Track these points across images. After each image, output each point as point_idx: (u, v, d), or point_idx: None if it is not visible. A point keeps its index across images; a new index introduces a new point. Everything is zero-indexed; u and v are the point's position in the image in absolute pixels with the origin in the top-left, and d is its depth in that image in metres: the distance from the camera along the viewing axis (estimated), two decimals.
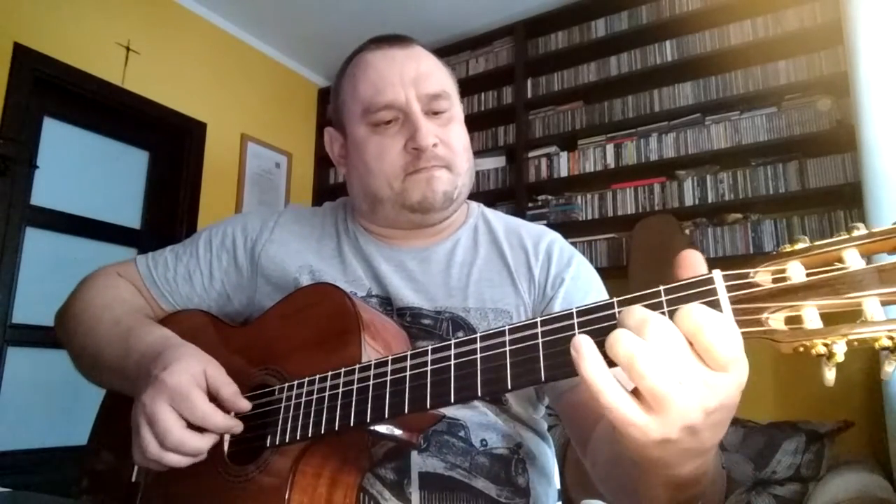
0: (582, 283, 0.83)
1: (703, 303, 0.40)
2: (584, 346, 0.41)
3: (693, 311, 0.38)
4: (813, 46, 2.56)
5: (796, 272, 0.40)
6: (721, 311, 0.40)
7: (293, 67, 3.86)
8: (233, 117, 3.43)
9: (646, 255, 2.64)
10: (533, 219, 2.95)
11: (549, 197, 3.17)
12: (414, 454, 0.71)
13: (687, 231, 2.72)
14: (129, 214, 3.00)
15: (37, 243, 2.61)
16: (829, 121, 2.50)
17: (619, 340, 0.39)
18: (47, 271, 2.58)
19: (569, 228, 2.91)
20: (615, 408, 0.40)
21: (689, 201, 2.76)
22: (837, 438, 2.10)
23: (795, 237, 0.42)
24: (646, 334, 0.39)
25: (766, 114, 2.65)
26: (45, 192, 2.64)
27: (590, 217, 2.99)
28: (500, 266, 0.84)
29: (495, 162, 3.32)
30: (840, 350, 0.37)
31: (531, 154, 3.22)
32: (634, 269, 2.66)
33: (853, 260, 0.38)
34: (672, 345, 0.38)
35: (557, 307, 0.79)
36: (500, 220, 0.92)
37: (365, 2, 3.23)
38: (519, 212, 3.11)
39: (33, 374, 2.53)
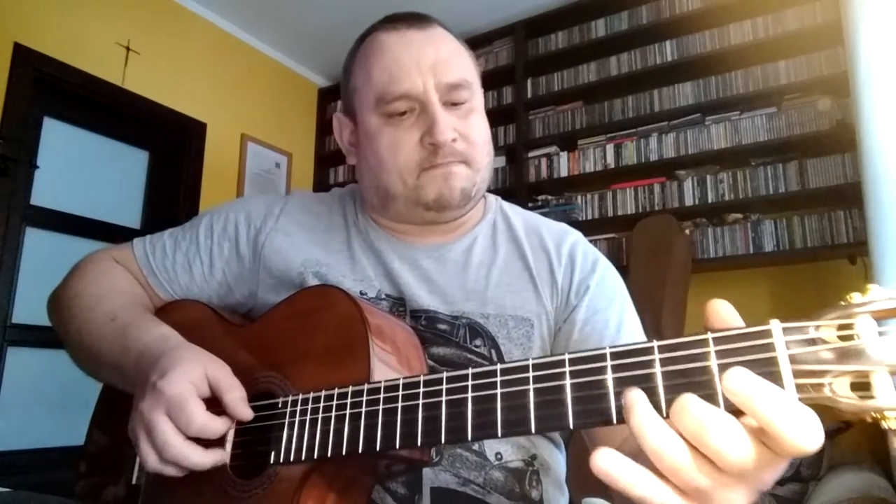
0: (607, 290, 0.78)
1: (759, 359, 0.36)
2: (638, 414, 0.38)
3: (773, 402, 0.34)
4: (813, 46, 2.56)
5: (867, 329, 0.34)
6: (779, 370, 0.36)
7: (293, 67, 3.86)
8: (233, 117, 3.43)
9: (646, 256, 2.64)
10: None
11: (549, 197, 3.17)
12: (426, 469, 0.68)
13: (687, 231, 2.72)
14: (129, 214, 3.00)
15: (37, 243, 2.61)
16: (829, 121, 2.50)
17: (663, 455, 0.36)
18: (47, 271, 2.55)
19: None
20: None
21: (689, 201, 2.76)
22: (837, 438, 2.10)
23: (865, 285, 0.35)
24: (706, 443, 0.35)
25: (766, 114, 2.65)
26: (45, 192, 2.64)
27: (590, 217, 2.99)
28: (520, 269, 0.79)
29: (495, 162, 3.31)
30: None
31: (531, 154, 3.22)
32: (634, 269, 2.66)
33: None
34: (732, 452, 0.35)
35: (581, 316, 0.75)
36: (518, 216, 0.87)
37: (365, 2, 3.22)
38: None
39: (33, 374, 2.53)
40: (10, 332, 2.47)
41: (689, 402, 0.36)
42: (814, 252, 2.47)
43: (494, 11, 3.32)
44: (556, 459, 0.79)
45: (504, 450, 0.72)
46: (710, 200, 2.71)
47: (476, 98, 0.78)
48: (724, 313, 0.39)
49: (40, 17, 2.61)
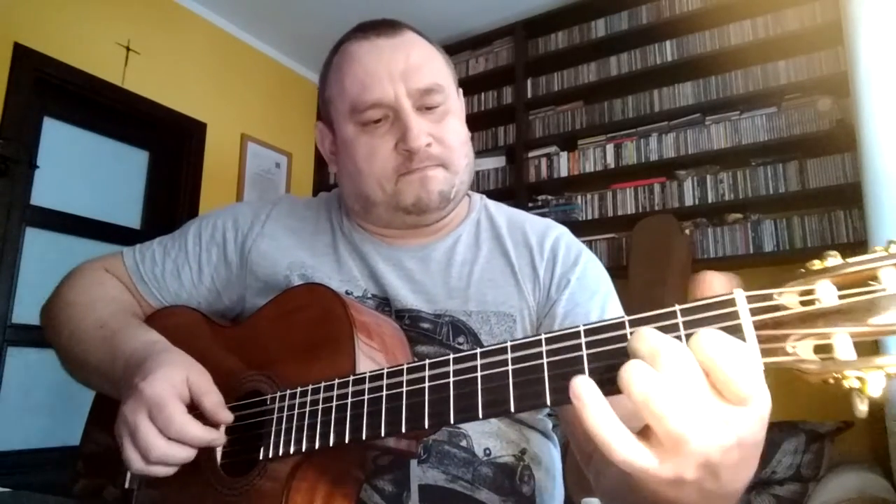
0: (589, 283, 0.78)
1: (724, 326, 0.37)
2: (585, 393, 0.37)
3: (709, 339, 0.35)
4: (813, 46, 2.56)
5: (827, 293, 0.35)
6: (743, 335, 0.37)
7: (293, 67, 3.86)
8: (233, 117, 3.43)
9: (646, 256, 2.64)
10: None
11: (549, 197, 3.17)
12: (414, 465, 0.68)
13: (687, 231, 2.72)
14: (129, 214, 3.00)
15: (37, 243, 2.61)
16: (829, 121, 2.50)
17: (632, 377, 0.36)
18: (47, 271, 2.57)
19: (569, 228, 2.90)
20: (626, 459, 0.37)
21: (689, 201, 2.76)
22: (837, 438, 2.10)
23: (825, 252, 0.37)
24: (660, 366, 0.36)
25: (766, 114, 2.65)
26: (45, 192, 2.64)
27: (590, 217, 2.99)
28: (503, 265, 0.80)
29: (495, 162, 3.32)
30: (876, 384, 0.33)
31: (531, 154, 3.22)
32: (634, 269, 2.66)
33: (891, 281, 0.34)
34: (688, 378, 0.35)
35: (561, 310, 0.76)
36: (503, 213, 0.88)
37: (365, 2, 3.22)
38: None
39: (33, 374, 2.52)
40: (10, 332, 2.47)
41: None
42: (814, 252, 2.43)
43: (494, 11, 3.32)
44: (547, 451, 0.79)
45: (493, 445, 0.72)
46: (710, 200, 2.71)
47: (450, 101, 0.78)
48: (710, 283, 0.41)
49: (40, 17, 2.61)
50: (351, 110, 0.75)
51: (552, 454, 0.80)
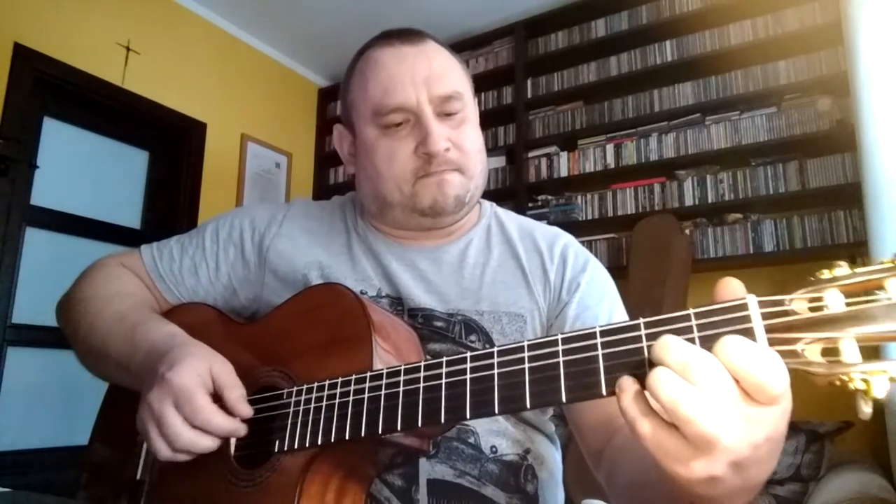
0: (597, 288, 0.81)
1: (737, 330, 0.39)
2: (627, 388, 0.41)
3: (737, 347, 0.37)
4: (813, 46, 2.56)
5: (834, 301, 0.38)
6: (755, 338, 0.39)
7: (293, 67, 3.86)
8: (233, 117, 3.43)
9: (646, 256, 2.64)
10: (533, 219, 2.95)
11: (549, 197, 3.17)
12: (423, 460, 0.70)
13: (687, 231, 2.72)
14: (129, 214, 3.00)
15: (37, 243, 2.61)
16: (829, 121, 2.50)
17: (661, 384, 0.38)
18: (47, 271, 2.58)
19: (569, 228, 2.87)
20: (663, 450, 0.39)
21: (689, 201, 2.76)
22: (837, 438, 2.10)
23: (834, 262, 0.39)
24: (691, 377, 0.38)
25: (766, 114, 2.65)
26: (45, 192, 2.64)
27: (590, 217, 2.99)
28: (514, 268, 0.83)
29: (495, 162, 3.32)
30: (880, 386, 0.35)
31: (531, 154, 3.22)
32: (634, 269, 2.66)
33: None
34: (721, 387, 0.37)
35: (572, 312, 0.79)
36: (512, 220, 0.91)
37: (365, 2, 3.23)
38: (519, 212, 3.10)
39: (33, 374, 2.53)
40: (10, 332, 2.47)
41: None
42: (814, 252, 2.47)
43: (494, 11, 3.32)
44: (550, 454, 0.81)
45: (499, 443, 0.74)
46: (710, 200, 2.71)
47: (468, 108, 0.81)
48: (733, 289, 0.42)
49: (40, 17, 2.61)
50: (373, 113, 0.78)
51: (555, 457, 0.83)
